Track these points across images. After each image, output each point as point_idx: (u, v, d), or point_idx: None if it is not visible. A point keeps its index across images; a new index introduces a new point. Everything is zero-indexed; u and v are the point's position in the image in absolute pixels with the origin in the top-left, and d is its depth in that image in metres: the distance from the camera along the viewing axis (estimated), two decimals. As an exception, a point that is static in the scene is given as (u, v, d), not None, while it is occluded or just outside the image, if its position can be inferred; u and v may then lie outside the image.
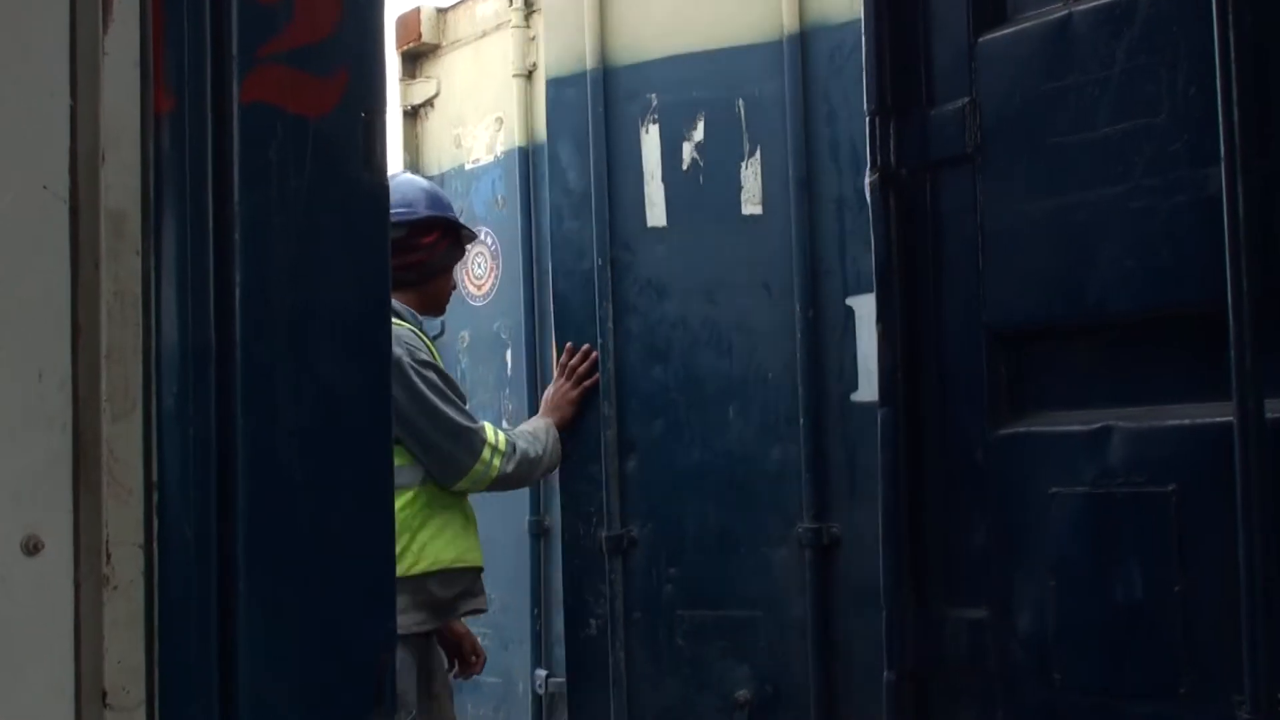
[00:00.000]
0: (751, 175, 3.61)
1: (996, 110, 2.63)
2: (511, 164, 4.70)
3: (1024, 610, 2.55)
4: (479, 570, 3.37)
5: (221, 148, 1.36)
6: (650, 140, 3.75)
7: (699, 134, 3.68)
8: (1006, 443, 2.60)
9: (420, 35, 5.01)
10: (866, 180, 2.79)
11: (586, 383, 3.69)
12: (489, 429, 3.43)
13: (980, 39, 2.64)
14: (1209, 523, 2.27)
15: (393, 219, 3.48)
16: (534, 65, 4.59)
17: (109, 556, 1.25)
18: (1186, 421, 2.33)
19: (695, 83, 3.64)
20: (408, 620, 3.17)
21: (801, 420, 3.48)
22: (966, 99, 2.66)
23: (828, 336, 3.39)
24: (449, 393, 3.34)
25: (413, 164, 5.07)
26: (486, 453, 3.35)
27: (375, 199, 1.47)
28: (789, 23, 3.54)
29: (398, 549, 3.15)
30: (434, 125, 5.06)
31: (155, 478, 1.28)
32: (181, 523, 1.29)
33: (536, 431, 3.57)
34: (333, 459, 1.40)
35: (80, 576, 1.24)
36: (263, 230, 1.38)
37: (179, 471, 1.29)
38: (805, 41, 3.52)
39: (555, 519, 4.03)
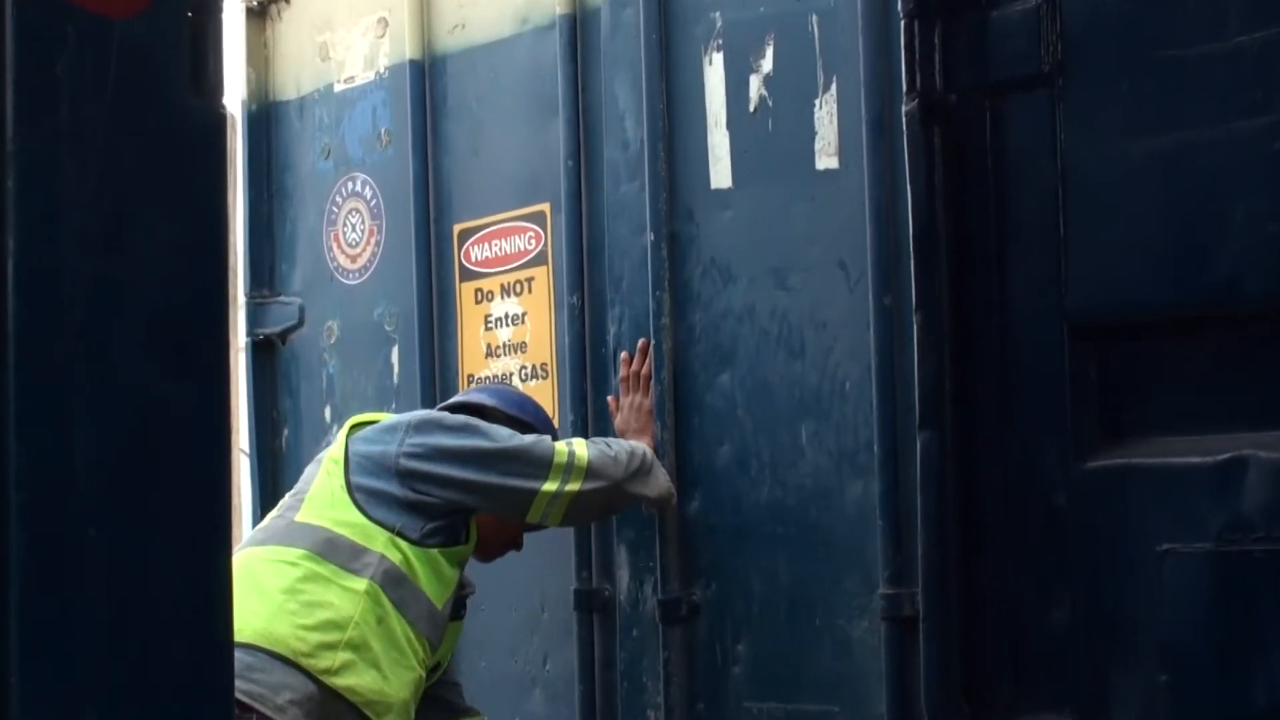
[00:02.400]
0: (826, 117, 3.79)
1: (1085, 10, 2.70)
2: (400, 84, 4.73)
3: (1125, 718, 2.62)
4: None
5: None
6: (714, 74, 3.98)
7: (767, 63, 3.89)
8: (1098, 480, 2.67)
9: (269, -102, 5.06)
10: (903, 109, 2.86)
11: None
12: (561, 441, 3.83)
13: (1061, -89, 2.71)
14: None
15: (489, 403, 3.89)
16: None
17: None
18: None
19: (764, -6, 3.91)
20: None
21: (876, 448, 3.65)
22: (1042, -5, 2.74)
23: (911, 334, 3.47)
24: (493, 429, 3.73)
25: (259, 84, 5.11)
26: (563, 448, 3.75)
27: (206, 133, 1.50)
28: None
29: (325, 642, 3.42)
30: (290, 30, 5.09)
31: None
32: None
33: (621, 445, 3.89)
34: (144, 495, 1.44)
35: None
36: (47, 176, 1.42)
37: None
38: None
39: (617, 583, 4.15)
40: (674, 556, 4.02)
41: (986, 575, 2.77)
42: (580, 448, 3.76)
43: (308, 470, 3.76)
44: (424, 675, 3.65)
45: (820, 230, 3.80)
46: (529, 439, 3.73)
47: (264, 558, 3.50)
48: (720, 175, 4.00)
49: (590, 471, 3.72)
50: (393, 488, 3.56)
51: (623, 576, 4.07)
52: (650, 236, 4.06)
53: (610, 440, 3.89)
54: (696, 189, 4.04)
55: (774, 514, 3.86)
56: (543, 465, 3.69)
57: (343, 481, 3.56)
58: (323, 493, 3.57)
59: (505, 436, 3.71)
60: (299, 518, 3.55)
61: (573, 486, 3.70)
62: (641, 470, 3.84)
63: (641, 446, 3.90)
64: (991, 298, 2.79)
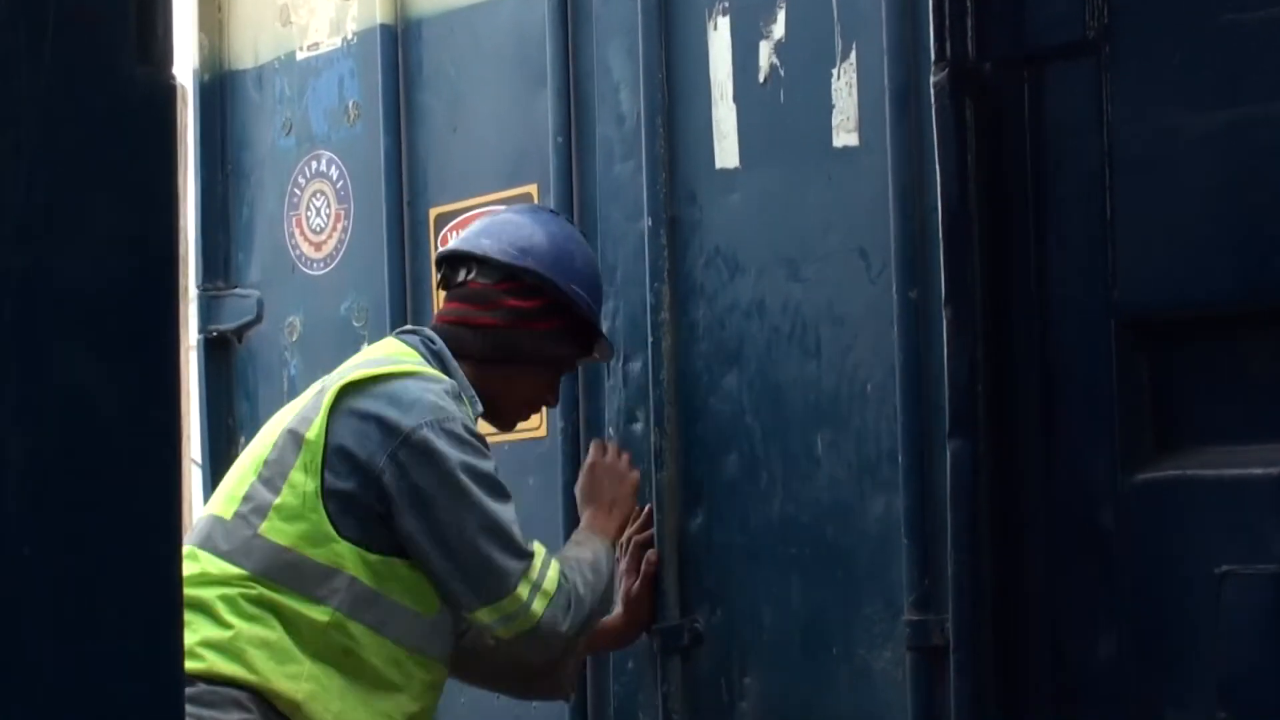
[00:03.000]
0: (844, 88, 3.79)
1: (1135, -30, 2.70)
2: (370, 51, 4.73)
3: (1180, 759, 2.63)
4: None
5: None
6: (719, 40, 3.99)
7: (779, 28, 3.90)
8: (1150, 494, 2.67)
9: None
10: (931, 80, 2.86)
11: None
12: (537, 561, 3.57)
13: None
14: None
15: (490, 251, 3.76)
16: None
17: None
18: None
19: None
20: None
21: (900, 458, 3.66)
22: (1088, -48, 2.74)
23: (939, 330, 3.47)
24: (484, 496, 3.51)
25: (213, 51, 5.10)
26: (524, 591, 3.52)
27: (154, 106, 1.50)
28: None
29: (286, 669, 3.38)
30: (246, -11, 5.10)
31: None
32: None
33: (597, 562, 3.73)
34: (85, 512, 1.44)
35: None
36: (-25, 155, 1.42)
37: None
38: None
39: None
40: (673, 579, 4.02)
41: (1024, 600, 2.77)
42: (556, 586, 3.57)
43: (271, 433, 3.60)
44: (432, 698, 3.59)
45: (838, 215, 3.81)
46: (514, 549, 3.53)
47: (210, 574, 3.44)
48: (726, 154, 3.99)
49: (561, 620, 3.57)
50: (368, 498, 3.45)
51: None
52: (648, 222, 4.06)
53: (588, 565, 3.72)
54: (700, 169, 4.04)
55: (786, 532, 3.85)
56: (509, 582, 3.51)
57: (317, 486, 3.43)
58: (293, 500, 3.43)
59: (494, 519, 3.52)
60: (263, 530, 3.43)
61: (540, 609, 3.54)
62: (591, 620, 3.70)
63: (604, 549, 3.79)
64: (1030, 290, 2.79)
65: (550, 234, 3.82)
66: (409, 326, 3.98)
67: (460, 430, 3.51)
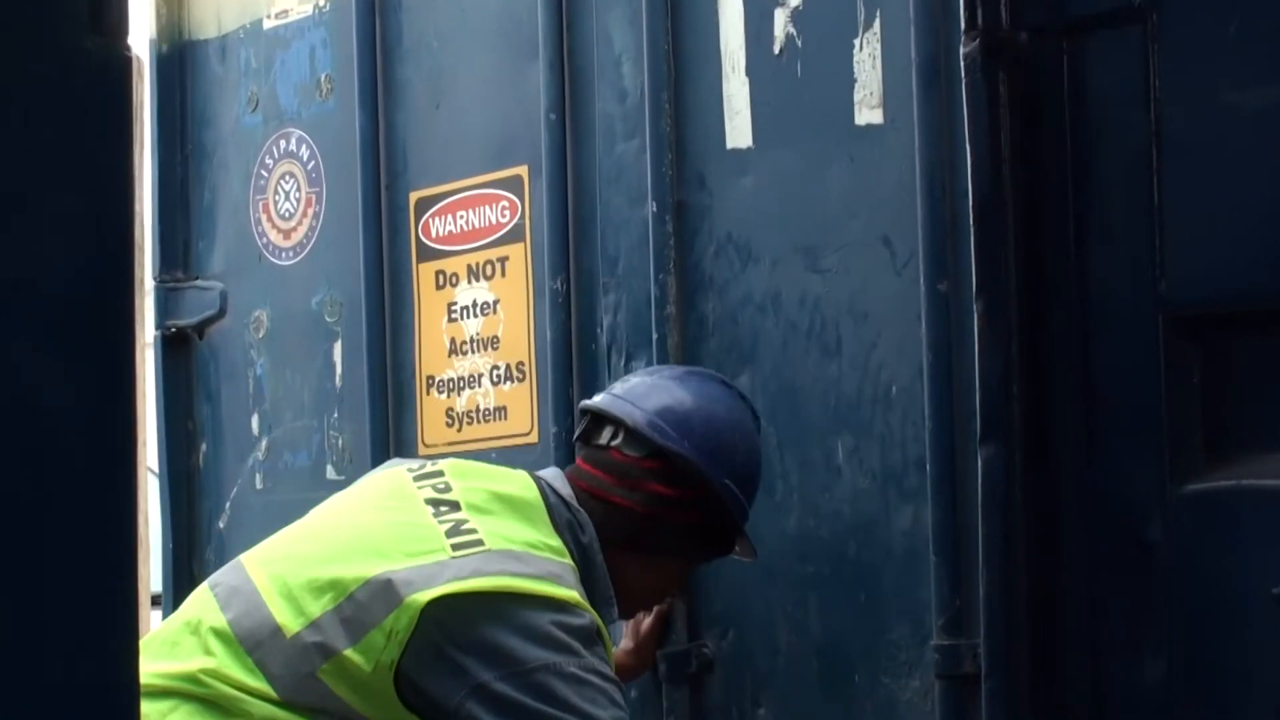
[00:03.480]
0: (867, 60, 3.79)
1: (1184, -69, 2.71)
2: (344, 20, 4.73)
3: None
4: None
5: None
6: (731, 8, 3.98)
7: None
8: (1202, 506, 2.67)
9: None
10: (961, 51, 2.87)
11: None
12: None
13: None
14: None
15: (641, 425, 3.55)
16: None
17: None
18: None
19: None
20: None
21: (929, 466, 3.66)
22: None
23: (971, 326, 3.48)
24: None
25: (171, 20, 5.11)
26: None
27: (107, 79, 1.50)
28: None
29: None
30: (208, -49, 5.10)
31: None
32: None
33: None
34: (26, 529, 1.44)
35: None
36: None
37: None
38: None
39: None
40: (680, 601, 4.01)
41: (1063, 623, 2.77)
42: None
43: (361, 533, 3.35)
44: None
45: (861, 200, 3.80)
46: None
47: (238, 682, 3.22)
48: (738, 132, 3.99)
49: None
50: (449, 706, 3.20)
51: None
52: (652, 208, 4.06)
53: None
54: (709, 149, 4.03)
55: (803, 548, 3.85)
56: None
57: (395, 659, 3.17)
58: (365, 664, 3.19)
59: None
60: (322, 674, 3.19)
61: None
62: None
63: None
64: (1070, 282, 2.80)
65: (713, 416, 3.62)
66: (555, 482, 3.56)
67: (578, 621, 3.27)
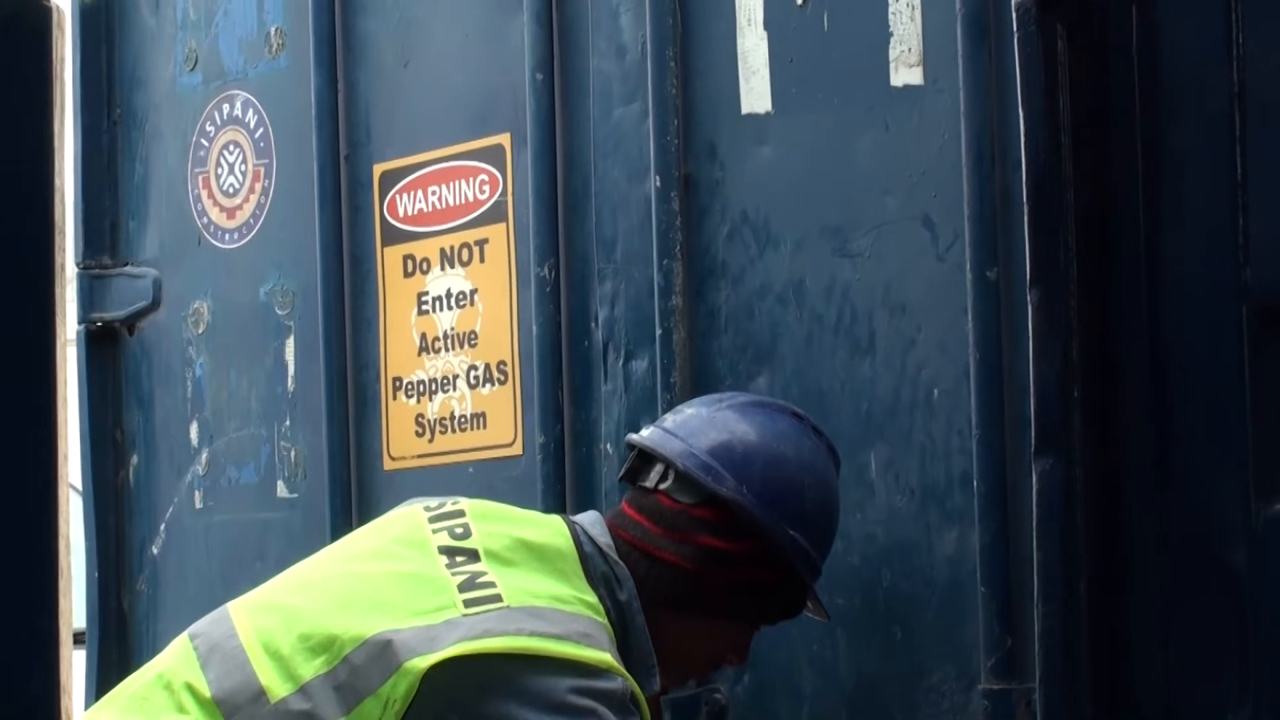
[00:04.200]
0: (905, 12, 3.79)
1: None
2: (298, -35, 4.76)
3: None
4: None
5: None
6: None
7: None
8: (1291, 529, 2.68)
9: None
10: (1013, 2, 2.87)
11: None
12: None
13: None
14: None
15: (691, 469, 3.47)
16: None
17: None
18: None
19: None
20: None
21: (976, 482, 3.65)
22: None
23: (1024, 320, 3.48)
24: None
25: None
26: None
27: (24, 35, 1.51)
28: None
29: None
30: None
31: None
32: None
33: None
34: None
35: None
36: None
37: None
38: None
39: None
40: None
41: (1132, 662, 2.78)
42: None
43: (361, 587, 3.32)
44: None
45: (897, 173, 3.79)
46: None
47: None
48: (755, 96, 3.99)
49: None
50: None
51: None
52: (656, 182, 4.06)
53: None
54: (722, 115, 4.03)
55: (831, 577, 3.73)
56: None
57: None
58: None
59: None
60: None
61: None
62: None
63: None
64: (1137, 269, 2.80)
65: (778, 456, 3.53)
66: (593, 529, 3.52)
67: (610, 687, 3.21)
